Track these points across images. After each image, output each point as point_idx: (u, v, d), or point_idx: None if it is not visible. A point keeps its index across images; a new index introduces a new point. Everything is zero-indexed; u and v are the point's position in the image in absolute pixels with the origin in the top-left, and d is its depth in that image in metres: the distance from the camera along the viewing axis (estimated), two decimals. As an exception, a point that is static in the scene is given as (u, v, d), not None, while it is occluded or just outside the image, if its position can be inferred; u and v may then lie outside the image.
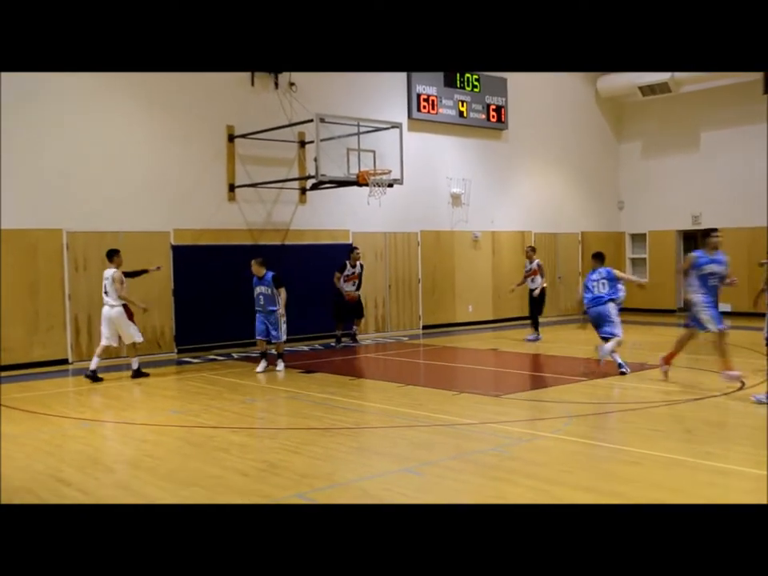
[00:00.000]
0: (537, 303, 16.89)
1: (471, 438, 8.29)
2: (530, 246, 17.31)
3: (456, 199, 19.78)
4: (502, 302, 20.77)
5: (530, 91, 21.21)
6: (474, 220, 20.16)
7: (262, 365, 12.98)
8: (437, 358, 15.04)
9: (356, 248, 15.96)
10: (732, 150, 21.55)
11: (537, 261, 16.83)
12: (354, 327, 16.30)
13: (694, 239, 22.43)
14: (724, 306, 20.21)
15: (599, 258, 12.57)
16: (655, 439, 8.01)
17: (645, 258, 23.62)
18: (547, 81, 21.72)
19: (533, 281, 16.80)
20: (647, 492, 6.23)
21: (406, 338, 16.90)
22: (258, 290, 12.81)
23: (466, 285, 19.98)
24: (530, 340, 16.52)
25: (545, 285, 16.93)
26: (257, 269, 12.78)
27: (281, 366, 13.04)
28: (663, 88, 21.46)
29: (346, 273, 15.65)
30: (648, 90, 21.79)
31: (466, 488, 6.52)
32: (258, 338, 13.11)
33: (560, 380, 11.71)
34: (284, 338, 13.04)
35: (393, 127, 15.16)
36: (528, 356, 15.03)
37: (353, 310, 15.99)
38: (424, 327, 18.83)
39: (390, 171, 14.81)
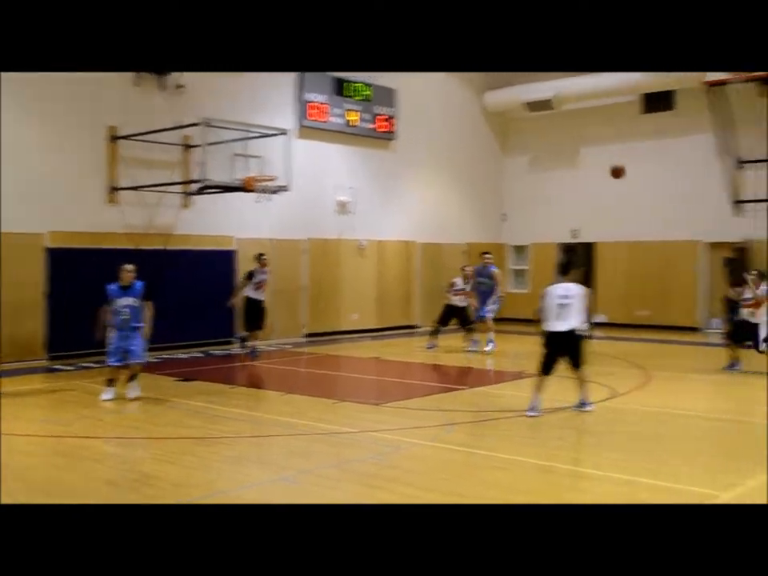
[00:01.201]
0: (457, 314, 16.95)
1: (350, 447, 8.30)
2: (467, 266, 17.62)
3: (343, 207, 19.82)
4: (387, 311, 20.91)
5: (419, 103, 21.47)
6: (361, 228, 20.24)
7: (111, 392, 10.91)
8: (319, 366, 15.01)
9: (263, 254, 15.53)
10: (610, 167, 22.29)
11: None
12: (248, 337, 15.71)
13: (573, 251, 23.17)
14: (599, 317, 20.98)
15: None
16: (528, 446, 8.22)
17: (526, 270, 24.21)
18: (437, 93, 22.04)
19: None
20: (514, 497, 6.36)
21: (290, 346, 16.81)
22: (124, 301, 10.81)
23: (352, 293, 20.03)
24: (471, 350, 16.56)
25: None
26: (127, 276, 10.94)
27: (136, 391, 11.00)
28: (547, 105, 22.07)
29: (255, 280, 15.14)
30: (533, 106, 22.36)
31: (343, 496, 6.52)
32: (114, 363, 10.93)
33: (440, 388, 11.86)
34: (146, 359, 11.32)
35: (281, 134, 15.07)
36: (410, 364, 15.17)
37: (258, 319, 15.47)
38: (308, 335, 18.76)
39: (276, 178, 14.71)
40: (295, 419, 9.53)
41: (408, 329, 21.12)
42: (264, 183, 14.58)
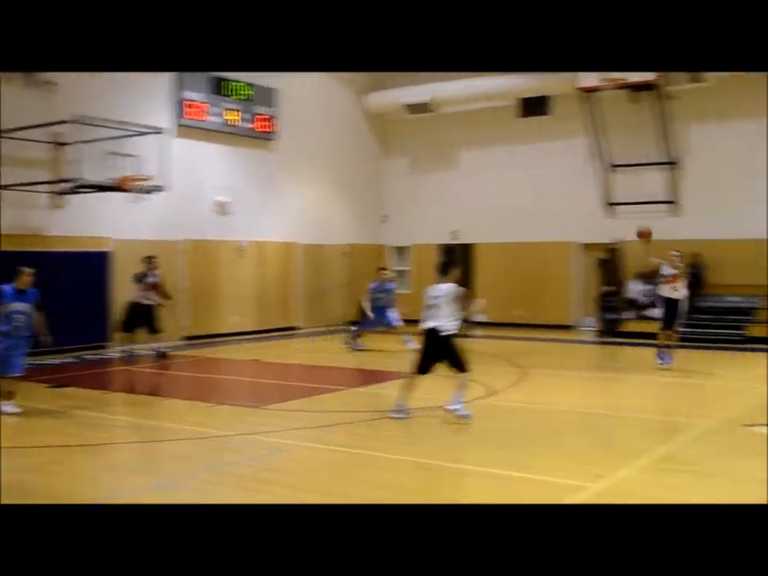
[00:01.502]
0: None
1: (229, 450, 8.16)
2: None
3: (222, 208, 19.50)
4: (267, 312, 20.71)
5: (300, 103, 21.35)
6: (241, 229, 19.97)
7: (12, 406, 9.95)
8: (198, 370, 14.72)
9: (152, 257, 15.03)
10: (488, 170, 22.80)
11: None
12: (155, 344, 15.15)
13: (453, 254, 23.51)
14: (479, 317, 21.37)
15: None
16: (408, 445, 8.27)
17: (407, 271, 24.42)
18: (318, 94, 21.97)
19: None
20: (398, 497, 6.38)
21: (168, 350, 16.38)
22: (16, 306, 9.85)
23: (231, 295, 19.73)
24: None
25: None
26: (25, 280, 9.94)
27: (12, 407, 9.94)
28: (426, 107, 22.34)
29: (145, 281, 14.62)
30: (412, 108, 22.59)
31: (221, 500, 6.38)
32: (15, 373, 9.98)
33: (321, 389, 11.81)
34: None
35: (156, 132, 14.70)
36: (290, 366, 15.07)
37: (148, 323, 14.90)
38: (187, 338, 18.37)
39: (152, 177, 14.34)
40: (172, 424, 9.30)
41: (289, 330, 20.98)
42: (139, 183, 14.20)
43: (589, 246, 21.37)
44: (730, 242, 19.08)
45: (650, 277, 19.80)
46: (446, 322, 9.11)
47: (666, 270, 13.93)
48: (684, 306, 14.03)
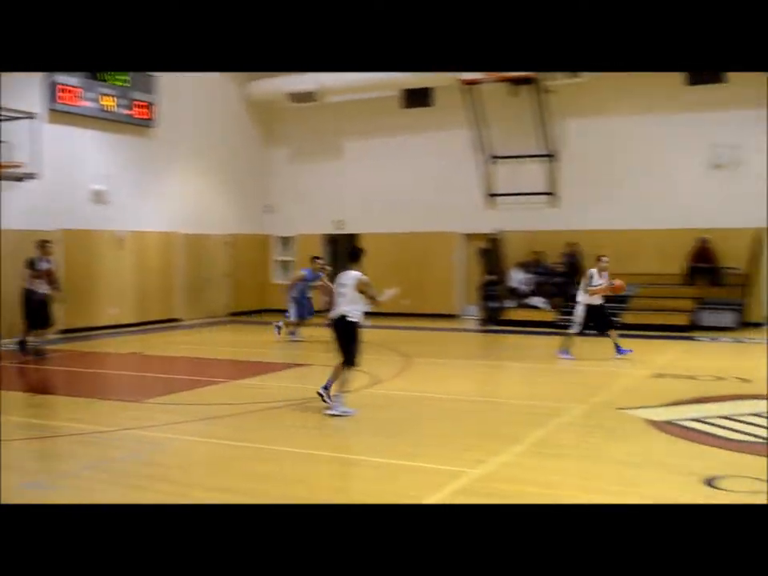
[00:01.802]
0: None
1: (109, 446, 7.90)
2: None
3: (99, 197, 18.87)
4: (148, 304, 20.21)
5: (181, 90, 20.81)
6: (119, 219, 19.38)
7: None
8: (75, 364, 14.21)
9: (47, 241, 14.21)
10: (372, 160, 22.87)
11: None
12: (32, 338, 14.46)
13: (337, 244, 23.52)
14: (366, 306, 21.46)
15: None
16: (293, 436, 8.21)
17: (292, 261, 24.28)
18: (198, 81, 21.48)
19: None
20: (284, 488, 6.33)
21: (42, 344, 15.77)
22: None
23: (110, 286, 19.14)
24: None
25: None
26: None
27: None
28: (310, 97, 22.19)
29: (37, 267, 13.82)
30: (296, 97, 22.39)
31: (102, 498, 6.17)
32: None
33: (203, 382, 11.61)
34: None
35: (27, 117, 14.10)
36: (172, 359, 14.75)
37: (41, 315, 14.14)
38: (63, 331, 17.71)
39: (22, 164, 13.74)
40: (47, 420, 8.97)
41: (170, 322, 20.54)
42: (9, 170, 13.59)
43: (471, 236, 21.74)
44: (605, 233, 19.75)
45: (531, 266, 20.38)
46: (351, 309, 9.08)
47: (596, 280, 13.95)
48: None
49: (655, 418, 8.64)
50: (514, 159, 20.63)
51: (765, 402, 9.57)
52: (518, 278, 20.21)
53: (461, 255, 22.10)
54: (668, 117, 19.66)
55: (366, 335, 15.26)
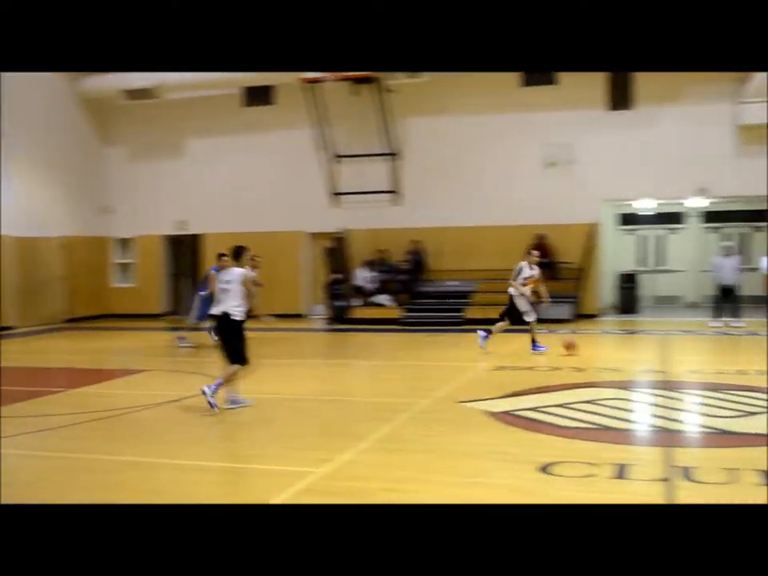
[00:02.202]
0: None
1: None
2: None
3: None
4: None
5: (11, 88, 19.65)
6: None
7: None
8: None
9: None
10: (215, 159, 22.42)
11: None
12: None
13: (180, 245, 22.97)
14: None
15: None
16: (128, 445, 7.89)
17: (132, 263, 23.52)
18: (26, 75, 20.39)
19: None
20: (116, 496, 6.06)
21: None
22: None
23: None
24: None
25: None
26: None
27: None
28: (148, 93, 21.50)
29: None
30: (133, 94, 21.61)
31: None
32: None
33: (40, 392, 11.01)
34: None
35: None
36: (4, 369, 13.92)
37: None
38: None
39: None
40: None
41: (1, 331, 19.45)
42: None
43: (316, 236, 21.71)
44: (448, 230, 20.18)
45: (376, 264, 20.55)
46: (234, 307, 9.03)
47: (527, 272, 14.08)
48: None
49: (494, 409, 8.85)
50: (358, 158, 20.74)
51: (597, 389, 10.03)
52: (363, 277, 20.34)
53: (306, 254, 22.04)
54: (505, 116, 20.28)
55: (207, 338, 14.96)
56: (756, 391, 9.65)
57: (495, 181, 20.30)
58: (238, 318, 9.09)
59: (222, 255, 16.45)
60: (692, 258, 23.56)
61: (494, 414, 8.65)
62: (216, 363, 12.55)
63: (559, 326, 18.06)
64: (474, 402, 9.31)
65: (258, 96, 21.86)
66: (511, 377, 11.27)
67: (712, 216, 23.65)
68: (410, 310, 19.48)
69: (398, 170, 20.75)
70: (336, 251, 20.75)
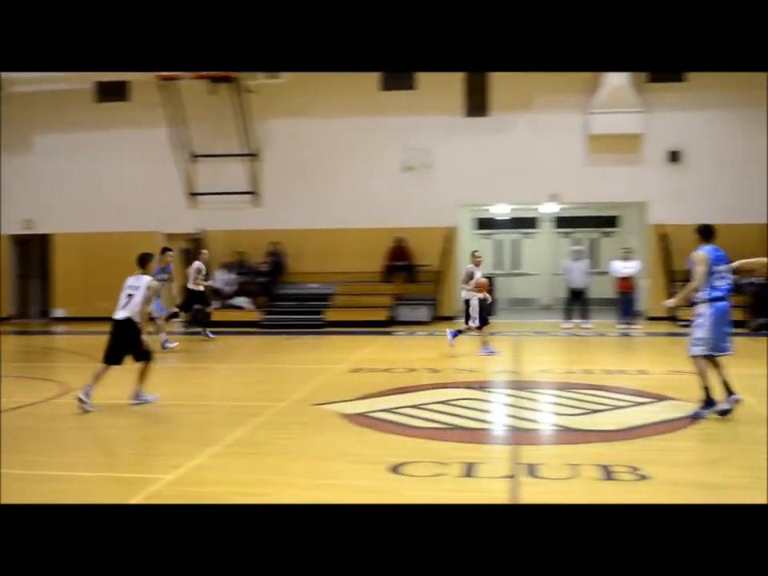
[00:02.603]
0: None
1: None
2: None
3: None
4: None
5: None
6: None
7: None
8: None
9: None
10: (66, 156, 21.51)
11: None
12: None
13: (28, 245, 21.96)
14: (59, 311, 20.23)
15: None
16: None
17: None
18: None
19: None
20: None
21: None
22: None
23: None
24: None
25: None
26: None
27: None
28: (-8, 86, 20.43)
29: None
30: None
31: None
32: None
33: None
34: None
35: None
36: None
37: None
38: None
39: None
40: None
41: None
42: None
43: (173, 237, 21.14)
44: (308, 232, 20.10)
45: (234, 266, 20.22)
46: (136, 313, 9.18)
47: (478, 274, 14.00)
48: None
49: (349, 411, 8.82)
50: (216, 158, 20.38)
51: (451, 390, 10.19)
52: (221, 279, 19.98)
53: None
54: (365, 119, 20.39)
55: (60, 342, 14.39)
56: (600, 389, 10.05)
57: (355, 183, 20.38)
58: (139, 324, 9.30)
59: (166, 249, 15.66)
60: (545, 261, 24.38)
61: (348, 416, 8.62)
62: (70, 368, 12.06)
63: (418, 327, 18.31)
64: (329, 405, 9.26)
65: (112, 92, 21.12)
66: (368, 379, 11.30)
67: (564, 221, 24.55)
68: (269, 313, 19.29)
69: (258, 171, 20.54)
70: (193, 253, 20.28)
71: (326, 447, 7.36)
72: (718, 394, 8.20)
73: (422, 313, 19.31)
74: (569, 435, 7.81)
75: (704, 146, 19.52)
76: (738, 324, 17.38)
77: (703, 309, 8.16)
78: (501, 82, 19.89)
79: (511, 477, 6.17)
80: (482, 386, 10.73)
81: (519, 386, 10.66)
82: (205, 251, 16.95)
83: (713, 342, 8.15)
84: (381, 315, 19.01)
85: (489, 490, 5.89)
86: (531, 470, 6.38)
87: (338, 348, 14.12)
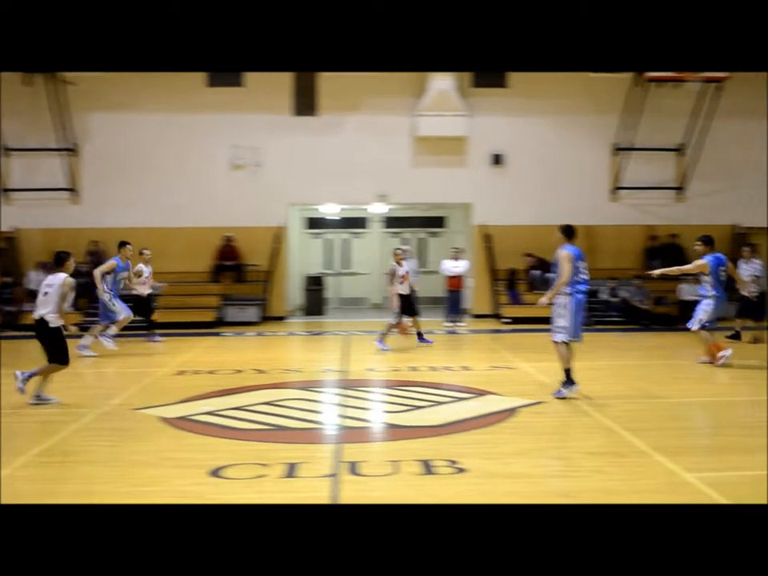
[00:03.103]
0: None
1: None
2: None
3: None
4: None
5: None
6: None
7: None
8: None
9: None
10: None
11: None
12: None
13: None
14: None
15: None
16: None
17: None
18: None
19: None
20: None
21: None
22: None
23: None
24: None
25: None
26: None
27: None
28: None
29: None
30: None
31: None
32: None
33: None
34: None
35: None
36: None
37: None
38: None
39: None
40: None
41: None
42: None
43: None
44: (132, 231, 19.29)
45: (52, 266, 19.23)
46: (51, 312, 9.10)
47: (401, 270, 14.23)
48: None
49: (170, 415, 8.56)
50: (31, 152, 19.34)
51: (278, 390, 10.09)
52: (37, 280, 18.93)
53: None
54: (192, 116, 19.92)
55: None
56: (424, 386, 10.22)
57: (182, 181, 19.88)
58: (53, 325, 9.13)
59: (124, 243, 14.29)
60: (375, 261, 24.67)
61: (169, 420, 8.36)
62: None
63: (247, 328, 18.07)
64: (150, 409, 8.95)
65: None
66: (191, 381, 11.02)
67: (393, 221, 24.93)
68: (89, 315, 18.45)
69: (76, 167, 19.64)
70: (6, 252, 19.18)
71: (145, 453, 7.09)
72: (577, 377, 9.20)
73: (251, 313, 19.09)
74: (391, 432, 7.89)
75: (524, 151, 20.34)
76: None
77: (565, 300, 9.09)
78: (329, 83, 19.95)
79: (333, 476, 6.15)
80: (309, 385, 10.69)
81: (346, 384, 10.68)
82: (147, 251, 15.70)
83: (573, 329, 9.15)
84: (208, 316, 18.63)
85: (309, 490, 5.85)
86: (353, 467, 6.39)
87: (162, 350, 13.69)
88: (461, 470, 6.26)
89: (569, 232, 9.30)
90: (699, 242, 11.93)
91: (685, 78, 18.58)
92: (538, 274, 19.41)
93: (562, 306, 9.13)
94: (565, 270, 9.01)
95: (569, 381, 9.16)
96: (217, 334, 17.20)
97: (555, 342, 9.26)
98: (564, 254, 9.08)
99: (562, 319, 9.15)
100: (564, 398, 9.10)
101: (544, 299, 9.45)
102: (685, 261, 17.94)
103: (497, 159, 20.37)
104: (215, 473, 6.29)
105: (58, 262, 9.51)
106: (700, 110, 19.52)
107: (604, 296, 18.83)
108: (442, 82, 19.65)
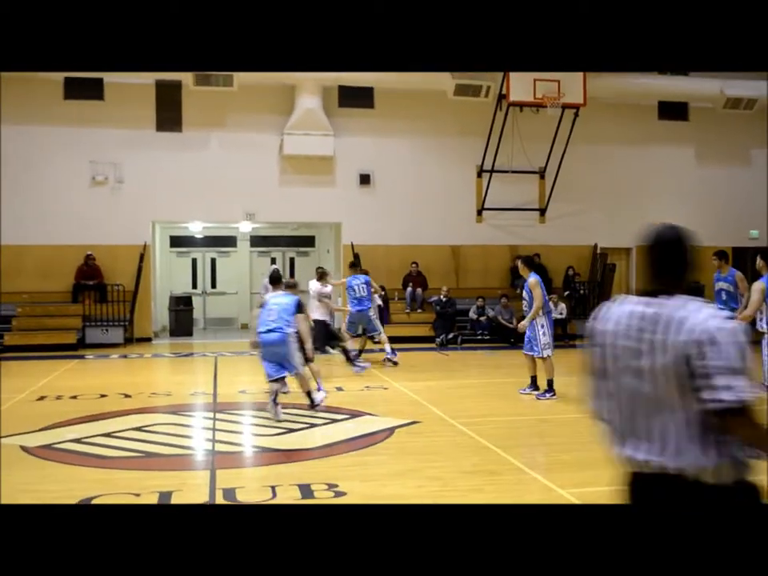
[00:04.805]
0: None
1: None
2: None
3: None
4: None
5: None
6: None
7: None
8: None
9: None
10: None
11: None
12: None
13: None
14: None
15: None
16: None
17: None
18: None
19: None
20: None
21: None
22: None
23: None
24: None
25: None
26: None
27: None
28: None
29: None
30: None
31: None
32: None
33: None
34: None
35: None
36: None
37: None
38: None
39: None
40: None
41: None
42: None
43: None
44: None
45: None
46: None
47: (326, 289, 13.90)
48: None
49: (31, 444, 8.11)
50: None
51: (147, 415, 9.75)
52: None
53: None
54: (50, 129, 19.11)
55: None
56: (300, 408, 10.09)
57: (38, 196, 18.97)
58: None
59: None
60: (243, 280, 24.34)
61: (31, 450, 7.92)
62: None
63: (111, 350, 17.45)
64: (9, 438, 8.44)
65: None
66: (53, 407, 10.49)
67: (261, 240, 24.69)
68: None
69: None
70: None
71: (5, 485, 6.68)
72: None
73: (115, 335, 18.44)
74: (267, 456, 7.76)
75: (392, 171, 20.54)
76: (426, 340, 18.65)
77: (542, 320, 10.47)
78: (192, 99, 19.60)
79: (208, 504, 5.96)
80: (179, 409, 10.38)
81: (217, 407, 10.44)
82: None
83: (553, 344, 10.72)
84: (69, 338, 17.85)
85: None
86: (230, 494, 6.22)
87: (19, 375, 13.01)
88: (340, 494, 6.19)
89: (530, 262, 10.90)
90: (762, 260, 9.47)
91: (544, 103, 19.25)
92: (410, 291, 19.65)
93: (540, 325, 10.44)
94: (538, 294, 10.34)
95: (551, 389, 10.51)
96: (79, 357, 16.51)
97: (542, 358, 10.52)
98: (533, 280, 10.42)
99: (546, 336, 10.48)
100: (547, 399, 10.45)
101: (525, 322, 10.50)
102: (548, 279, 18.55)
103: (364, 179, 20.50)
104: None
105: None
106: (558, 135, 20.27)
107: (472, 315, 19.19)
108: (309, 100, 19.64)
